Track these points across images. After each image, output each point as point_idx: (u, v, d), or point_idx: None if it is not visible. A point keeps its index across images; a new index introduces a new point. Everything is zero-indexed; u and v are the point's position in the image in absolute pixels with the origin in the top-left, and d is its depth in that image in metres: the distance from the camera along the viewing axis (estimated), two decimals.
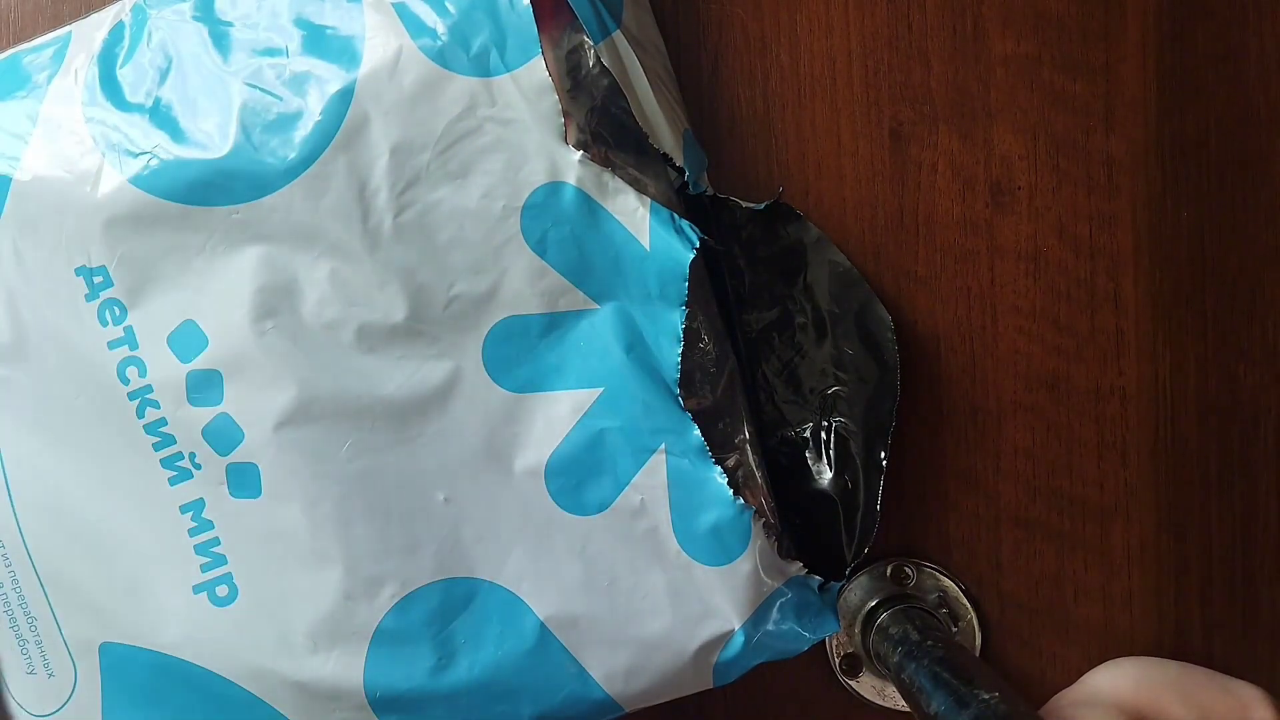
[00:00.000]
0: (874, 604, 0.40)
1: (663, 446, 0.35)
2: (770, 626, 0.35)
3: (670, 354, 0.34)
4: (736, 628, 0.35)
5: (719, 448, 0.35)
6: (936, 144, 0.40)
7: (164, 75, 0.34)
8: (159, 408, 0.34)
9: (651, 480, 0.35)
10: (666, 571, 0.35)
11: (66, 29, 0.36)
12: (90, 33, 0.35)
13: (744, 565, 0.35)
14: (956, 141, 0.40)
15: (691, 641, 0.35)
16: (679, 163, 0.34)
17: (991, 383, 0.40)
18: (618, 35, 0.34)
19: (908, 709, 0.39)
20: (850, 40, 0.40)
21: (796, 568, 0.35)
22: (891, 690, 0.41)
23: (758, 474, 0.36)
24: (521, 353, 0.34)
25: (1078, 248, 0.40)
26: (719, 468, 0.34)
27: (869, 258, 0.40)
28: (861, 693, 0.41)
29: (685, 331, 0.34)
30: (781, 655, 0.36)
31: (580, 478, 0.35)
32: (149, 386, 0.34)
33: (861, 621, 0.40)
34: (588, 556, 0.35)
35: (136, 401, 0.34)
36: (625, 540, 0.35)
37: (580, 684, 0.35)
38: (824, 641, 0.41)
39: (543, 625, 0.35)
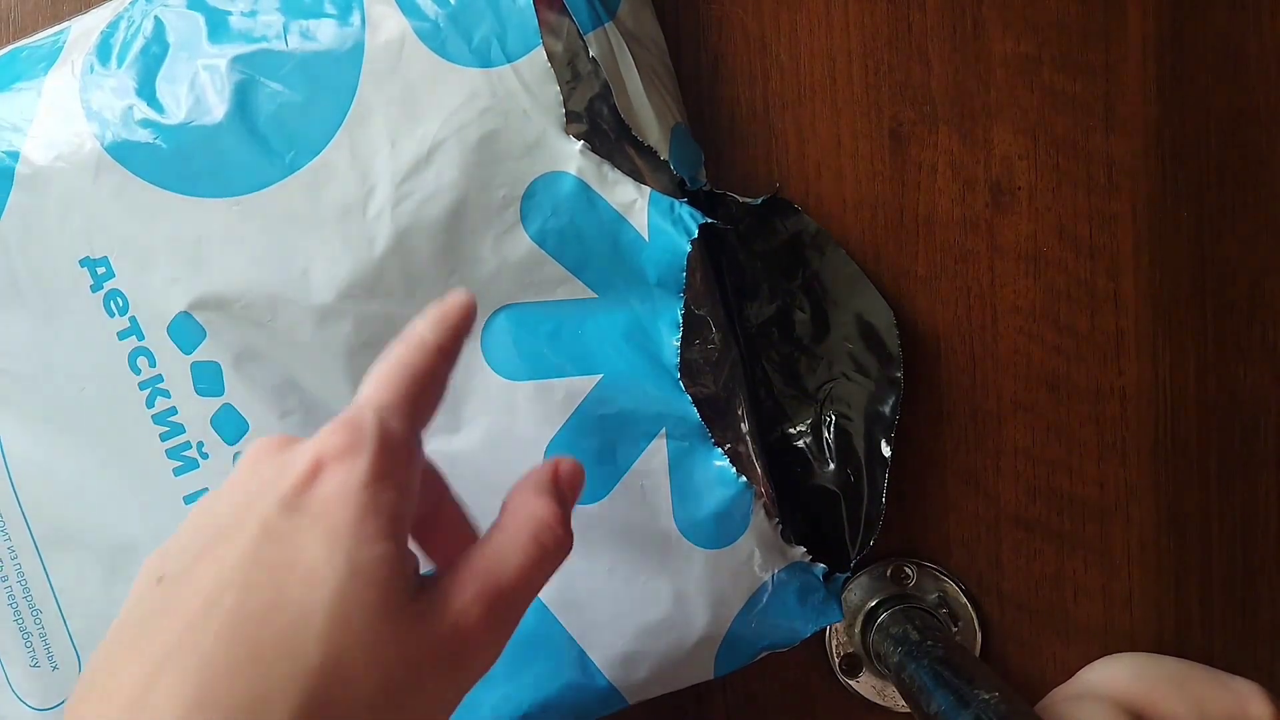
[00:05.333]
0: (874, 604, 0.40)
1: (663, 431, 0.35)
2: (771, 609, 0.36)
3: (670, 340, 0.34)
4: (737, 609, 0.35)
5: (719, 438, 0.35)
6: (936, 144, 0.40)
7: (160, 63, 0.34)
8: (169, 397, 0.35)
9: (652, 465, 0.35)
10: (667, 557, 0.35)
11: (65, 24, 0.36)
12: (88, 27, 0.35)
13: (743, 547, 0.35)
14: (956, 141, 0.40)
15: (692, 626, 0.35)
16: (663, 156, 0.34)
17: (991, 383, 0.40)
18: (609, 27, 0.34)
19: (908, 709, 0.39)
20: (850, 40, 0.40)
21: (799, 552, 0.35)
22: (891, 690, 0.41)
23: (758, 466, 0.36)
24: (519, 341, 0.34)
25: (1078, 248, 0.40)
26: (719, 450, 0.34)
27: (869, 258, 0.40)
28: (861, 693, 0.41)
29: (690, 320, 0.35)
30: (783, 641, 0.36)
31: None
32: (160, 376, 0.35)
33: (861, 621, 0.40)
34: (588, 544, 0.35)
35: (147, 391, 0.35)
36: (625, 527, 0.35)
37: (581, 670, 0.35)
38: (824, 641, 0.41)
39: (544, 606, 0.35)
